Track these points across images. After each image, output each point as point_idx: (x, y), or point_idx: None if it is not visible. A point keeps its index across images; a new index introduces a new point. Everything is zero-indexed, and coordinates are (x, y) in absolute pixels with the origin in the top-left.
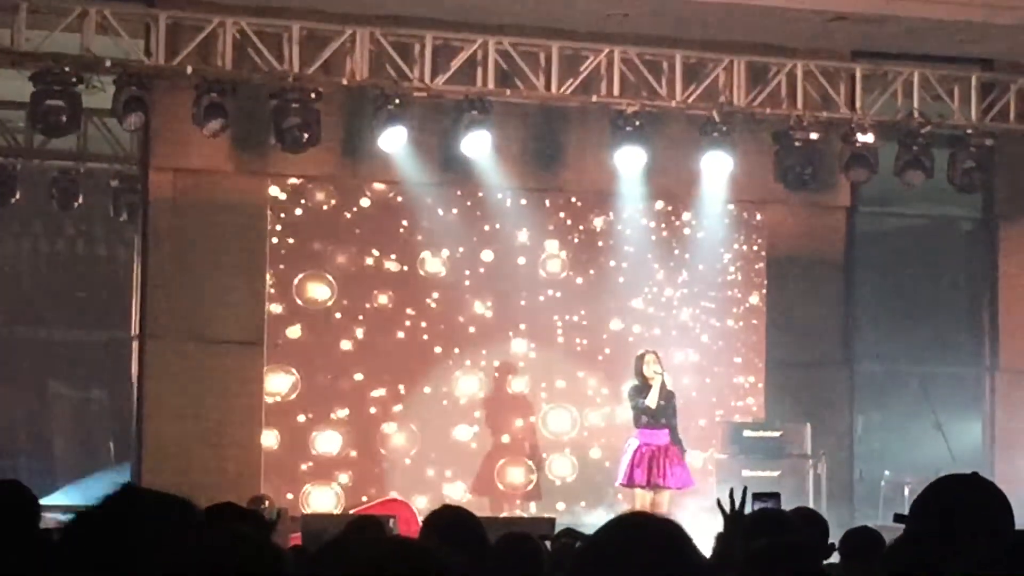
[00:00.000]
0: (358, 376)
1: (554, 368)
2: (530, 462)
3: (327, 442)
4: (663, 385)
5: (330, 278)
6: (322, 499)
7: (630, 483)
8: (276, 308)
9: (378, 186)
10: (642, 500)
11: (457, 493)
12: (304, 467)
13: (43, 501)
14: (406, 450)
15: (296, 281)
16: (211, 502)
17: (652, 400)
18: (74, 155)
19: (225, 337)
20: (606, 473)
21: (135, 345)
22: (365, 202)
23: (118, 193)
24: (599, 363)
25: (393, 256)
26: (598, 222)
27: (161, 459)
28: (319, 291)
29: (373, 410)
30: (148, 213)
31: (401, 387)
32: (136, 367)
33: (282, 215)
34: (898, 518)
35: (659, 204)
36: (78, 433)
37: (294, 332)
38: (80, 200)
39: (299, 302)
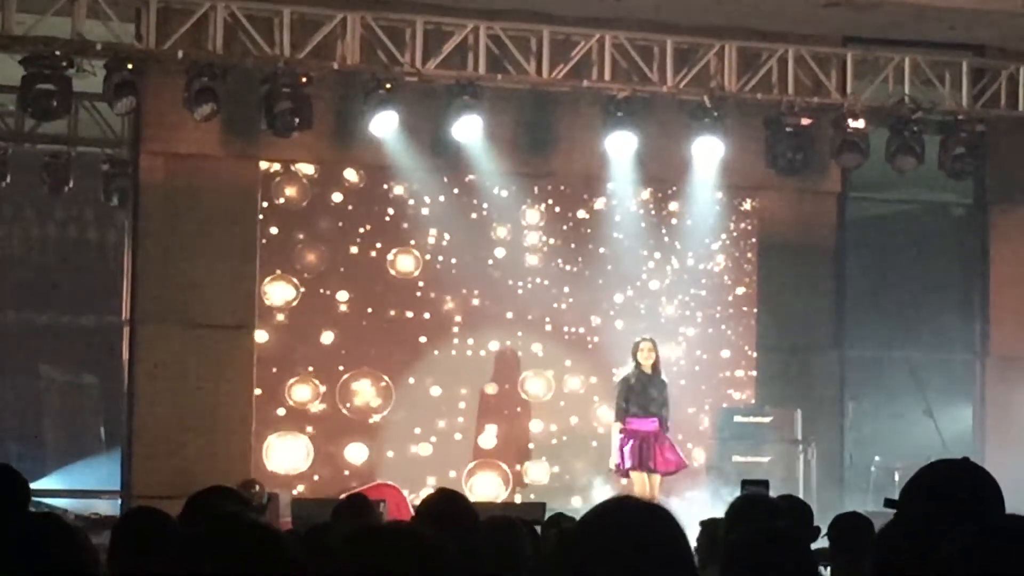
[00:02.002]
0: (341, 367)
1: (542, 356)
2: (504, 466)
3: (308, 434)
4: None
5: (306, 276)
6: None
7: (619, 468)
8: (265, 293)
9: (368, 171)
10: (641, 484)
11: (443, 484)
12: (283, 466)
13: (34, 485)
14: (391, 441)
15: (271, 277)
16: (202, 486)
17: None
18: (65, 139)
19: (216, 321)
20: (591, 466)
21: (126, 330)
22: (354, 187)
23: (109, 177)
24: (588, 351)
25: (379, 243)
26: (588, 208)
27: (152, 443)
28: (289, 291)
29: (358, 401)
30: (139, 197)
31: (385, 378)
32: (127, 351)
33: (264, 204)
34: (888, 503)
35: (649, 190)
36: (69, 418)
37: (275, 325)
38: (71, 184)
39: (276, 296)
